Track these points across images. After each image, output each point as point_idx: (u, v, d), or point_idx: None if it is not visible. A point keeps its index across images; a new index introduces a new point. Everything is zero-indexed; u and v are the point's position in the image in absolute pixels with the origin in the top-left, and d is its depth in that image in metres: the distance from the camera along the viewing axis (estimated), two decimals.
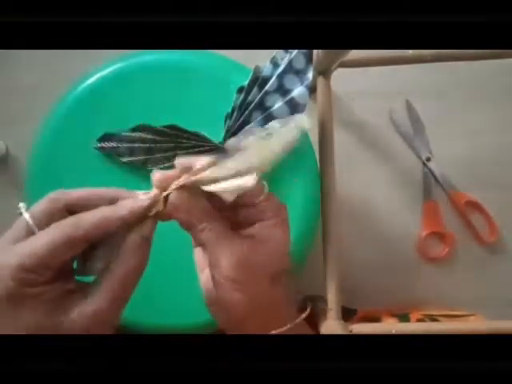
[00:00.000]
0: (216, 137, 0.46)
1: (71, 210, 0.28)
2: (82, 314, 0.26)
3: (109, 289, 0.27)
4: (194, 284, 0.46)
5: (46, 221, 0.27)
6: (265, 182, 0.30)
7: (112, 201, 0.28)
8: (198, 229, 0.28)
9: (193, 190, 0.28)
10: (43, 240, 0.25)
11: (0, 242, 0.27)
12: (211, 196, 0.28)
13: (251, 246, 0.29)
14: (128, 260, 0.28)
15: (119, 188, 0.29)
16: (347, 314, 0.66)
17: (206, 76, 0.48)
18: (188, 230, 0.29)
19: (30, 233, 0.27)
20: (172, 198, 0.27)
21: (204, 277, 0.32)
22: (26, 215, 0.27)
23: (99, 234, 0.27)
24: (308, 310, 0.32)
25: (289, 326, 0.30)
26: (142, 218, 0.28)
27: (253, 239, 0.29)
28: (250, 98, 0.46)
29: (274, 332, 0.29)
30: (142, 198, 0.28)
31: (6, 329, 0.25)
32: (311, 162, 0.50)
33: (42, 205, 0.28)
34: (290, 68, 0.46)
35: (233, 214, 0.30)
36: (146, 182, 0.31)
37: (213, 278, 0.29)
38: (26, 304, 0.25)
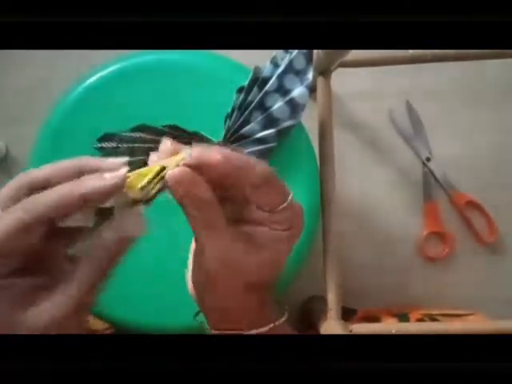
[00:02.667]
0: (216, 137, 0.47)
1: (38, 190, 0.25)
2: (52, 306, 0.24)
3: (79, 282, 0.25)
4: None
5: (12, 206, 0.24)
6: (291, 192, 0.27)
7: (80, 174, 0.25)
8: (191, 212, 0.25)
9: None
10: None
11: None
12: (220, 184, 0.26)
13: (244, 249, 0.26)
14: (100, 256, 0.25)
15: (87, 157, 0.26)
16: (347, 314, 0.66)
17: (206, 76, 0.48)
18: (183, 210, 0.26)
19: None
20: (176, 171, 0.24)
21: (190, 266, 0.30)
22: None
23: (59, 215, 0.24)
24: (284, 317, 0.30)
25: (262, 329, 0.28)
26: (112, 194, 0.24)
27: (250, 241, 0.27)
28: (250, 98, 0.46)
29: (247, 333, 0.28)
30: (106, 177, 0.24)
31: None
32: (311, 163, 0.50)
33: (6, 190, 0.25)
34: (290, 68, 0.46)
35: (247, 209, 0.27)
36: None
37: (192, 264, 0.28)
38: None
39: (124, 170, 0.25)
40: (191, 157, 0.24)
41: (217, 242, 0.26)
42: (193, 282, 0.29)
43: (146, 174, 0.25)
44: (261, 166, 0.25)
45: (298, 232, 0.27)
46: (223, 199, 0.26)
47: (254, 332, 0.28)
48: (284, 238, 0.27)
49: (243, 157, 0.25)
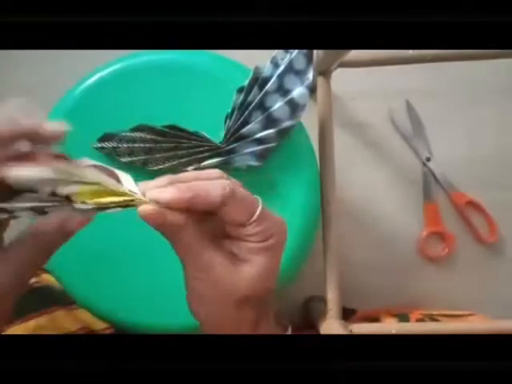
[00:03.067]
0: (216, 137, 0.47)
1: None
2: None
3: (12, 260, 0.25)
4: None
5: None
6: (260, 203, 0.27)
7: (30, 136, 0.26)
8: (169, 239, 0.26)
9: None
10: None
11: None
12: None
13: (228, 263, 0.26)
14: (34, 242, 0.26)
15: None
16: (347, 314, 0.66)
17: (206, 76, 0.48)
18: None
19: None
20: (142, 209, 0.25)
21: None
22: None
23: None
24: (288, 331, 0.31)
25: None
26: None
27: (233, 256, 0.27)
28: (250, 98, 0.46)
29: None
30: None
31: None
32: (311, 163, 0.50)
33: None
34: (290, 68, 0.46)
35: (219, 225, 0.28)
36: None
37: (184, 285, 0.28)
38: None
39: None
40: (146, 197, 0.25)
41: (199, 263, 0.26)
42: (187, 302, 0.29)
43: (110, 194, 0.26)
44: (216, 188, 0.26)
45: (280, 241, 0.27)
46: (201, 219, 0.27)
47: None
48: (263, 249, 0.27)
49: (196, 184, 0.26)
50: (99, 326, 0.52)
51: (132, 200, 0.26)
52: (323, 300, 0.54)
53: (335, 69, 0.61)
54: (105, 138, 0.47)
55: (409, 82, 0.77)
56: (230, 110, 0.47)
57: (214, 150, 0.46)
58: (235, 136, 0.46)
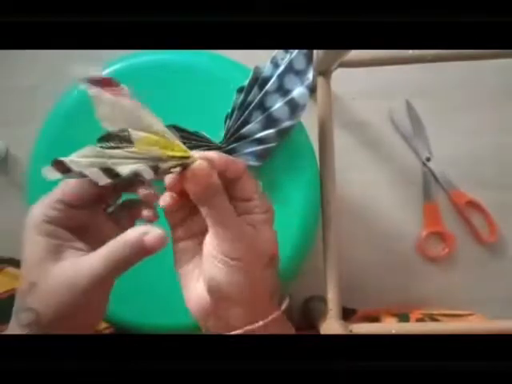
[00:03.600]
0: (216, 137, 0.47)
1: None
2: (76, 266, 0.27)
3: (105, 257, 0.28)
4: None
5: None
6: (259, 181, 0.31)
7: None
8: (211, 204, 0.29)
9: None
10: None
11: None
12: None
13: (251, 227, 0.30)
14: (122, 249, 0.28)
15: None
16: (347, 314, 0.66)
17: (206, 76, 0.48)
18: (199, 204, 0.29)
19: None
20: (195, 166, 0.28)
21: (193, 289, 0.32)
22: None
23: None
24: (286, 302, 0.32)
25: (270, 318, 0.30)
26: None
27: (252, 225, 0.30)
28: (250, 98, 0.46)
29: (256, 325, 0.29)
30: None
31: (24, 253, 0.28)
32: (311, 163, 0.50)
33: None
34: (290, 68, 0.46)
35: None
36: None
37: (211, 260, 0.29)
38: (38, 239, 0.28)
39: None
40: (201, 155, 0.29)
41: (237, 225, 0.29)
42: (207, 276, 0.30)
43: (171, 148, 0.29)
44: (239, 161, 0.30)
45: (272, 215, 0.31)
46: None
47: (269, 317, 0.30)
48: (265, 220, 0.31)
49: (226, 156, 0.30)
50: (99, 325, 0.52)
51: (188, 157, 0.28)
52: (323, 300, 0.54)
53: (335, 69, 0.61)
54: (105, 137, 0.47)
55: (409, 82, 0.77)
56: (229, 110, 0.47)
57: (214, 150, 0.46)
58: (235, 136, 0.46)
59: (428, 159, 0.75)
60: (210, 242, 0.29)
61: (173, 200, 0.30)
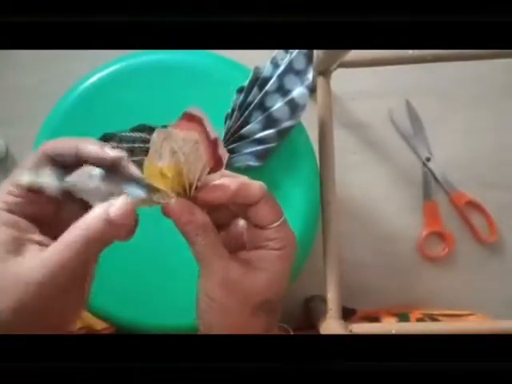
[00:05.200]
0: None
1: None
2: (9, 271, 0.25)
3: (71, 242, 0.25)
4: (193, 284, 0.46)
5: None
6: (283, 210, 0.29)
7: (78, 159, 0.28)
8: (193, 239, 0.27)
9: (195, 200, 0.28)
10: None
11: None
12: (213, 211, 0.28)
13: (243, 270, 0.27)
14: (87, 227, 0.25)
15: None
16: (347, 314, 0.66)
17: (205, 76, 0.48)
18: (186, 240, 0.28)
19: None
20: (173, 203, 0.27)
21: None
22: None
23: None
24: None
25: None
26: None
27: (248, 265, 0.28)
28: (250, 98, 0.46)
29: None
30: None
31: None
32: (311, 163, 0.50)
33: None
34: (290, 68, 0.46)
35: (238, 234, 0.30)
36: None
37: (200, 296, 0.29)
38: None
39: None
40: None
41: (219, 268, 0.27)
42: (199, 310, 0.29)
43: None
44: (256, 184, 0.28)
45: (292, 253, 0.28)
46: (218, 227, 0.28)
47: None
48: (278, 257, 0.28)
49: (239, 178, 0.28)
50: (99, 325, 0.52)
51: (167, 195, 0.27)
52: (323, 300, 0.54)
53: (335, 69, 0.61)
54: (105, 138, 0.47)
55: (409, 81, 0.77)
56: (229, 110, 0.47)
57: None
58: (235, 136, 0.46)
59: (428, 159, 0.75)
60: (199, 276, 0.28)
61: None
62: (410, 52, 0.61)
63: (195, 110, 0.27)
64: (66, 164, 0.27)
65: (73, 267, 0.25)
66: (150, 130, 0.46)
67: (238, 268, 0.27)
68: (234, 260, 0.28)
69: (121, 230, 0.26)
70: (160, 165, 0.27)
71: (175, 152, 0.26)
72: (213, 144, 0.27)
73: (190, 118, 0.27)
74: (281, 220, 0.28)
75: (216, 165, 0.27)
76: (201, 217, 0.27)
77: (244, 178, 0.28)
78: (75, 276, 0.26)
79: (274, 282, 0.28)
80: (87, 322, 0.52)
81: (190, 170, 0.27)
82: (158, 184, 0.27)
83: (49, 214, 0.28)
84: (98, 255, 0.27)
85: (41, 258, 0.25)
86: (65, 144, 0.28)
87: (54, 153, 0.27)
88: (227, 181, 0.27)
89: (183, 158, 0.26)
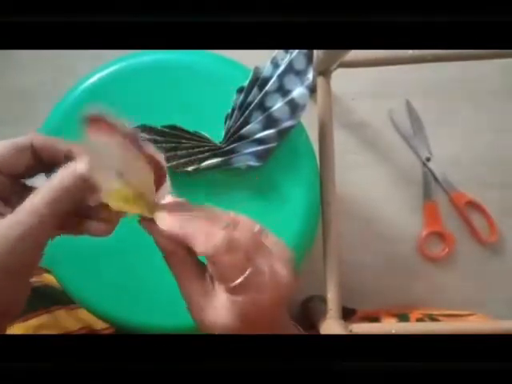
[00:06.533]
0: (216, 137, 0.47)
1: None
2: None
3: (30, 204, 0.25)
4: None
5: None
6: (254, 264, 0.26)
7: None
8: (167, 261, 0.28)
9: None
10: None
11: None
12: None
13: (200, 292, 0.28)
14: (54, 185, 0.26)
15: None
16: (347, 314, 0.66)
17: (206, 76, 0.48)
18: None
19: None
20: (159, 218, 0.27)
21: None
22: None
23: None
24: None
25: None
26: None
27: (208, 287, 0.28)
28: (250, 98, 0.46)
29: None
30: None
31: None
32: (311, 163, 0.50)
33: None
34: (290, 68, 0.46)
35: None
36: None
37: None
38: None
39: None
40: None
41: (181, 288, 0.28)
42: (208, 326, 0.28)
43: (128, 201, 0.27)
44: (212, 236, 0.25)
45: (278, 295, 0.26)
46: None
47: None
48: (253, 305, 0.26)
49: (197, 224, 0.26)
50: (99, 325, 0.52)
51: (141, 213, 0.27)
52: (323, 300, 0.54)
53: (335, 69, 0.61)
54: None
55: (409, 82, 0.77)
56: (229, 110, 0.47)
57: (214, 151, 0.46)
58: (235, 136, 0.46)
59: (428, 159, 0.75)
60: None
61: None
62: (410, 52, 0.61)
63: (94, 111, 0.26)
64: (43, 161, 0.29)
65: (34, 237, 0.25)
66: (150, 129, 0.46)
67: (199, 291, 0.27)
68: (200, 281, 0.27)
69: (89, 188, 0.26)
70: (115, 188, 0.26)
71: (121, 173, 0.26)
72: (135, 141, 0.26)
73: (94, 121, 0.26)
74: (244, 275, 0.25)
75: (155, 165, 0.26)
76: (164, 241, 0.27)
77: (204, 227, 0.26)
78: (33, 253, 0.26)
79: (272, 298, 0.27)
80: (87, 322, 0.52)
81: (146, 186, 0.27)
82: (126, 209, 0.27)
83: (6, 195, 0.28)
84: (45, 242, 0.26)
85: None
86: (56, 143, 0.29)
87: (43, 147, 0.29)
88: (184, 221, 0.26)
89: (131, 175, 0.26)
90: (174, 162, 0.46)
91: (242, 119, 0.46)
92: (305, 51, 0.46)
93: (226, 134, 0.46)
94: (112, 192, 0.26)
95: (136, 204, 0.27)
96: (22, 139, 0.29)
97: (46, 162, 0.29)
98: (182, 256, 0.27)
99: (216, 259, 0.25)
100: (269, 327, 0.28)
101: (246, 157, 0.46)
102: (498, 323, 0.50)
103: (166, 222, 0.26)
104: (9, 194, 0.28)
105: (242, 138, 0.46)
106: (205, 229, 0.26)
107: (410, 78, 0.76)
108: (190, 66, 0.49)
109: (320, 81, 0.61)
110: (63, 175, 0.26)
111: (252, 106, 0.46)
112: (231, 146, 0.46)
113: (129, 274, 0.47)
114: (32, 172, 0.29)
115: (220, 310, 0.26)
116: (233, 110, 0.46)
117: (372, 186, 0.76)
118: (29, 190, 0.29)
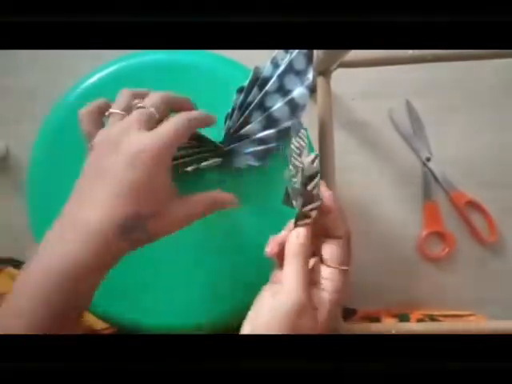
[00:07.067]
0: (216, 136, 0.46)
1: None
2: (177, 212, 0.32)
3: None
4: (193, 285, 0.46)
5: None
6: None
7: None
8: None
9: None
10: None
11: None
12: None
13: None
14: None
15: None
16: (347, 314, 0.66)
17: (205, 76, 0.48)
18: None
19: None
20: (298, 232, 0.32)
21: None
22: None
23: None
24: None
25: None
26: None
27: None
28: (250, 98, 0.46)
29: None
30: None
31: (148, 180, 0.30)
32: None
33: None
34: (290, 68, 0.46)
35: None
36: None
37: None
38: (167, 172, 0.33)
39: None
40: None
41: (300, 288, 0.30)
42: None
43: None
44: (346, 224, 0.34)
45: (341, 298, 0.32)
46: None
47: None
48: (329, 300, 0.31)
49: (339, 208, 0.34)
50: (99, 325, 0.52)
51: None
52: None
53: (335, 69, 0.61)
54: None
55: (409, 82, 0.77)
56: (229, 110, 0.47)
57: (214, 151, 0.46)
58: (235, 136, 0.46)
59: (428, 159, 0.75)
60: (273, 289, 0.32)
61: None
62: (410, 52, 0.61)
63: None
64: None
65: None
66: None
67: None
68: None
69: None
70: None
71: None
72: None
73: None
74: (347, 267, 0.33)
75: None
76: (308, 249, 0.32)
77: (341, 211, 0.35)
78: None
79: (333, 307, 0.31)
80: (87, 321, 0.52)
81: None
82: None
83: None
84: None
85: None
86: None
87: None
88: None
89: None
90: (174, 162, 0.46)
91: (242, 119, 0.46)
92: (305, 51, 0.46)
93: (226, 134, 0.46)
94: None
95: None
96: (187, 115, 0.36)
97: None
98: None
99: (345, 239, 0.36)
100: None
101: (245, 157, 0.46)
102: (498, 323, 0.50)
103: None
104: None
105: (241, 137, 0.46)
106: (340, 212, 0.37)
107: (410, 78, 0.76)
108: (190, 66, 0.49)
109: (320, 81, 0.61)
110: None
111: (252, 106, 0.46)
112: (231, 146, 0.46)
113: (129, 273, 0.47)
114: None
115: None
116: (233, 110, 0.46)
117: (372, 186, 0.76)
118: None
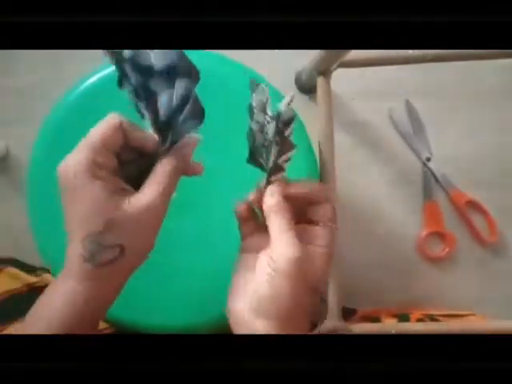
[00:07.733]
0: (216, 137, 0.46)
1: None
2: (134, 205, 0.29)
3: (157, 183, 0.30)
4: (193, 285, 0.46)
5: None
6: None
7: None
8: (275, 220, 0.31)
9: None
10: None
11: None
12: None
13: (308, 247, 0.31)
14: (174, 160, 0.31)
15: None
16: (347, 314, 0.66)
17: (206, 76, 0.48)
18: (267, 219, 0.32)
19: None
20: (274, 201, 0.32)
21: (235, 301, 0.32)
22: None
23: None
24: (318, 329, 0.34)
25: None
26: None
27: (310, 239, 0.31)
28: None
29: None
30: None
31: (81, 199, 0.29)
32: (311, 162, 0.50)
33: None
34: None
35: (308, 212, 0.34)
36: None
37: (261, 275, 0.30)
38: (96, 182, 0.29)
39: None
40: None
41: (291, 243, 0.30)
42: (256, 298, 0.30)
43: None
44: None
45: (331, 252, 0.32)
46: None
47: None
48: (324, 253, 0.31)
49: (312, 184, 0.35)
50: (99, 325, 0.52)
51: None
52: (323, 300, 0.54)
53: (335, 69, 0.61)
54: None
55: (409, 82, 0.77)
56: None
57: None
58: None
59: (428, 159, 0.75)
60: (265, 254, 0.31)
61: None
62: (410, 52, 0.61)
63: None
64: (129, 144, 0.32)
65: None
66: None
67: (305, 248, 0.30)
68: (301, 235, 0.31)
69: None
70: None
71: None
72: None
73: None
74: (333, 222, 0.32)
75: None
76: (288, 210, 0.32)
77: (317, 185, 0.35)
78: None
79: (329, 258, 0.31)
80: None
81: None
82: None
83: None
84: None
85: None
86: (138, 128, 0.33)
87: (130, 128, 0.32)
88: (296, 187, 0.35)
89: None
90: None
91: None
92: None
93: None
94: None
95: None
96: (111, 117, 0.31)
97: (132, 144, 0.32)
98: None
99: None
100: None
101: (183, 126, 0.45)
102: (498, 323, 0.50)
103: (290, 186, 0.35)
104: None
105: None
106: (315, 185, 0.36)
107: (410, 78, 0.76)
108: None
109: (320, 81, 0.61)
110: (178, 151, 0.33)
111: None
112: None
113: None
114: (124, 155, 0.32)
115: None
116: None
117: (372, 186, 0.76)
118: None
